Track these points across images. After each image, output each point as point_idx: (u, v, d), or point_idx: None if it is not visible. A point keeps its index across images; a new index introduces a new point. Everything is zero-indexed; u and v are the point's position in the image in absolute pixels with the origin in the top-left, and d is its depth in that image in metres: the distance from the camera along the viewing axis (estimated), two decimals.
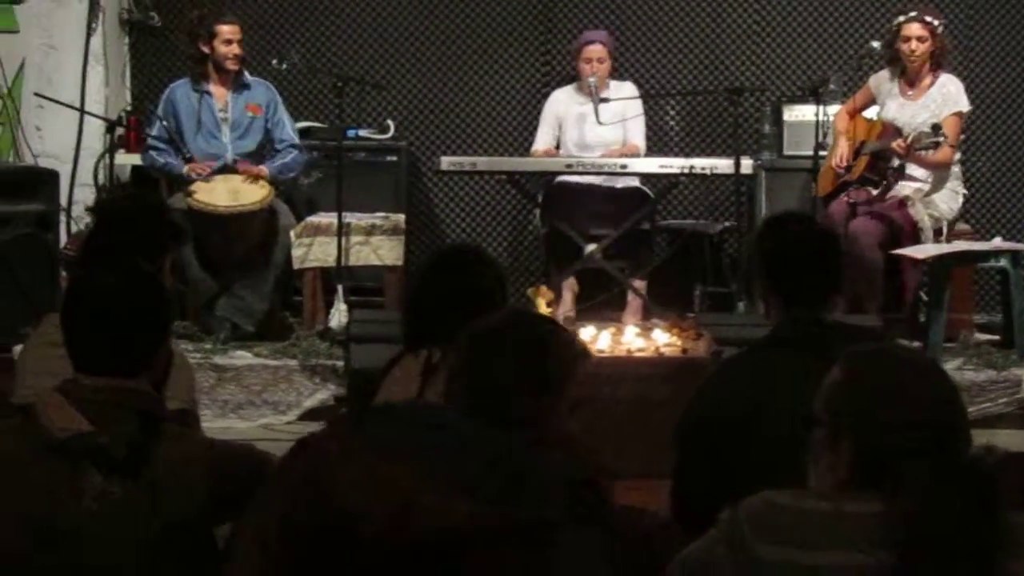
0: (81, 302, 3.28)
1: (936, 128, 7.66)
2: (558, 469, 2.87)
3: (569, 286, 8.60)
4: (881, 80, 8.23)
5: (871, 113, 8.32)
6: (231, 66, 8.31)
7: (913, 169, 7.98)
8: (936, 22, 8.02)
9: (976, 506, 2.53)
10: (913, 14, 8.08)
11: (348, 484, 2.60)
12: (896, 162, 7.96)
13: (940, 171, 8.00)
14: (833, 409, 2.72)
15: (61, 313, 3.32)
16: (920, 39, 8.02)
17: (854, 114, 8.34)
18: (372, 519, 2.57)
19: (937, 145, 7.69)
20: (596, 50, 8.62)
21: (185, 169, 8.14)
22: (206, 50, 8.28)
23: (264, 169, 8.19)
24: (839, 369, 2.76)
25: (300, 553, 2.60)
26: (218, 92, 8.36)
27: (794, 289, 4.01)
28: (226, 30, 8.28)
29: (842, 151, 8.16)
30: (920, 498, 2.56)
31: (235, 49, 8.29)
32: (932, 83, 8.04)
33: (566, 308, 8.43)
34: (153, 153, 8.32)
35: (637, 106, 8.78)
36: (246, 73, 8.45)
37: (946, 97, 7.98)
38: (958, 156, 8.16)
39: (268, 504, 2.68)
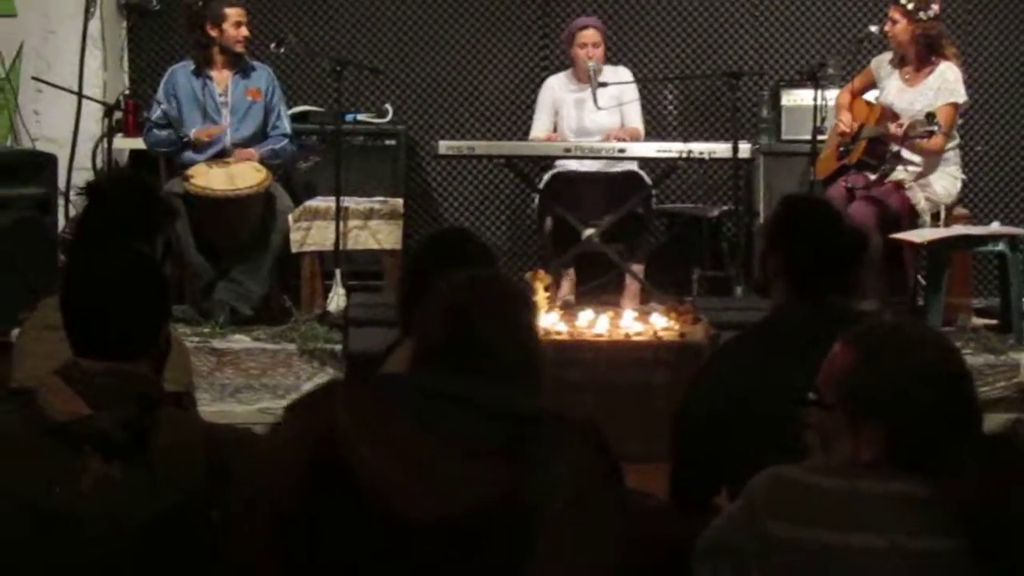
0: (82, 286, 3.28)
1: (931, 116, 7.65)
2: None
3: (568, 273, 8.61)
4: (881, 63, 8.22)
5: (871, 96, 8.31)
6: (239, 49, 8.31)
7: (910, 153, 7.98)
8: (911, 5, 7.95)
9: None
10: None
11: (369, 465, 2.60)
12: (894, 147, 7.95)
13: (931, 158, 8.00)
14: (852, 393, 2.71)
15: (60, 297, 3.32)
16: (892, 20, 8.01)
17: (855, 96, 8.34)
18: (400, 497, 2.58)
19: (931, 134, 7.67)
20: (590, 35, 8.62)
21: (193, 133, 8.15)
22: (214, 34, 8.27)
23: (254, 152, 8.20)
24: (850, 351, 2.74)
25: (324, 536, 2.61)
26: (219, 76, 8.35)
27: (808, 278, 3.96)
28: (234, 13, 8.27)
29: (846, 120, 8.15)
30: (978, 479, 2.56)
31: (244, 31, 8.30)
32: (931, 70, 8.02)
33: (564, 294, 8.44)
34: (156, 130, 8.32)
35: (633, 90, 8.78)
36: (247, 57, 8.44)
37: (944, 85, 7.96)
38: (956, 141, 8.15)
39: (276, 486, 2.70)
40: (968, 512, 2.55)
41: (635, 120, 8.77)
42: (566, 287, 8.53)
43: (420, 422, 2.67)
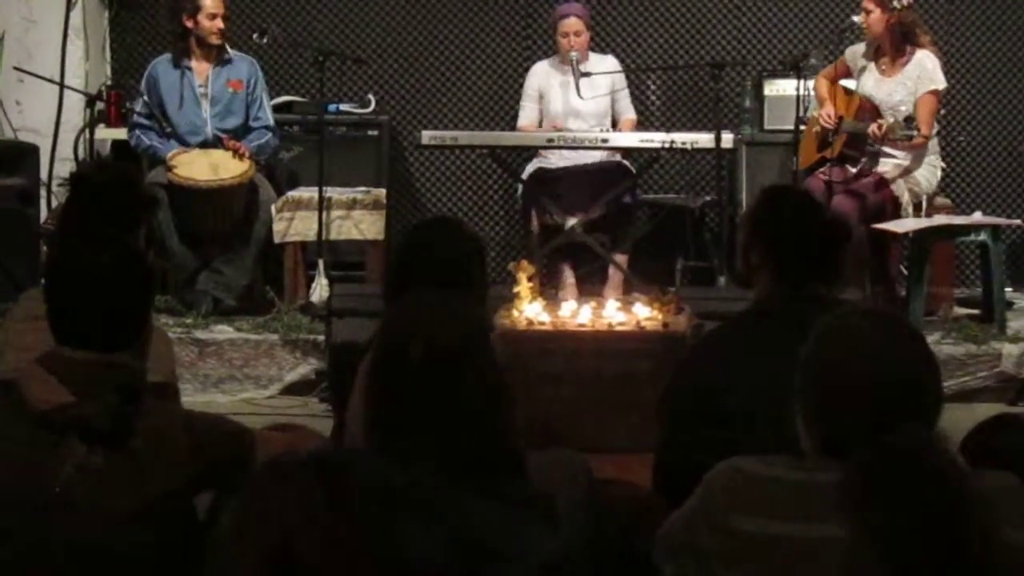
0: (66, 276, 3.29)
1: (910, 120, 7.66)
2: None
3: (566, 273, 8.61)
4: (856, 54, 8.24)
5: (850, 84, 8.31)
6: (214, 41, 8.28)
7: (891, 147, 7.99)
8: None
9: (922, 489, 2.50)
10: None
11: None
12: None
13: (914, 151, 8.01)
14: (798, 377, 2.72)
15: (45, 287, 3.33)
16: (867, 10, 8.02)
17: (834, 80, 8.35)
18: None
19: (910, 138, 7.68)
20: (572, 23, 8.61)
21: (169, 155, 8.12)
22: (189, 24, 8.25)
23: (247, 147, 8.18)
24: (812, 336, 2.75)
25: None
26: (199, 68, 8.33)
27: (790, 267, 3.96)
28: (210, 4, 8.24)
29: (828, 110, 8.15)
30: (861, 474, 2.53)
31: (219, 24, 8.26)
32: (908, 60, 8.02)
33: (566, 293, 8.45)
34: (139, 132, 8.30)
35: (622, 80, 8.79)
36: (228, 48, 8.42)
37: (922, 74, 7.97)
38: (936, 129, 8.16)
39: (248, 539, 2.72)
40: (852, 504, 2.53)
41: (629, 111, 8.81)
42: (566, 288, 8.52)
43: (384, 537, 2.64)
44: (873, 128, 7.74)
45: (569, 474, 3.64)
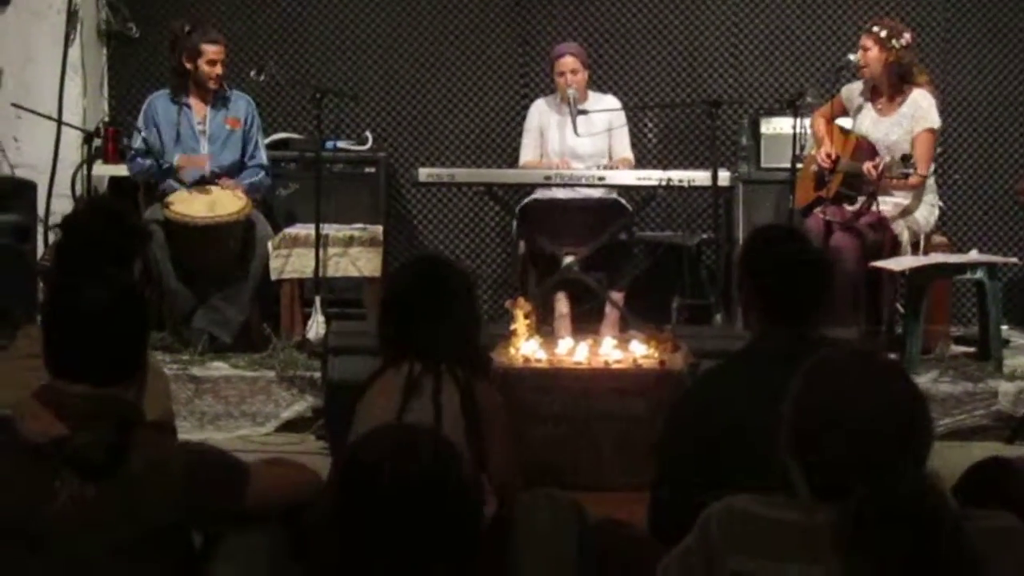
0: (64, 312, 3.30)
1: (906, 159, 7.66)
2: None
3: (561, 305, 8.58)
4: (852, 93, 8.25)
5: (846, 123, 8.32)
6: (212, 85, 8.31)
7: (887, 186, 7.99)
8: (884, 33, 7.98)
9: (910, 536, 2.48)
10: (866, 26, 8.11)
11: None
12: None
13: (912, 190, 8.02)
14: (785, 418, 2.72)
15: (43, 321, 3.34)
16: (865, 49, 8.03)
17: (830, 119, 8.36)
18: None
19: (907, 176, 7.69)
20: (569, 62, 8.61)
21: (176, 159, 8.14)
22: (188, 66, 8.28)
23: (242, 186, 8.20)
24: (797, 380, 2.75)
25: None
26: (197, 105, 8.35)
27: (779, 306, 3.98)
28: (211, 50, 8.27)
29: (826, 149, 8.15)
30: (855, 515, 2.52)
31: (217, 70, 8.28)
32: (904, 99, 8.04)
33: (559, 324, 8.43)
34: (138, 159, 8.31)
35: (621, 118, 8.78)
36: (225, 86, 8.44)
37: (917, 113, 7.97)
38: (932, 168, 8.16)
39: None
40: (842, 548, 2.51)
41: (626, 149, 8.78)
42: (559, 317, 8.50)
43: None
44: (869, 167, 7.74)
45: (559, 515, 3.64)
